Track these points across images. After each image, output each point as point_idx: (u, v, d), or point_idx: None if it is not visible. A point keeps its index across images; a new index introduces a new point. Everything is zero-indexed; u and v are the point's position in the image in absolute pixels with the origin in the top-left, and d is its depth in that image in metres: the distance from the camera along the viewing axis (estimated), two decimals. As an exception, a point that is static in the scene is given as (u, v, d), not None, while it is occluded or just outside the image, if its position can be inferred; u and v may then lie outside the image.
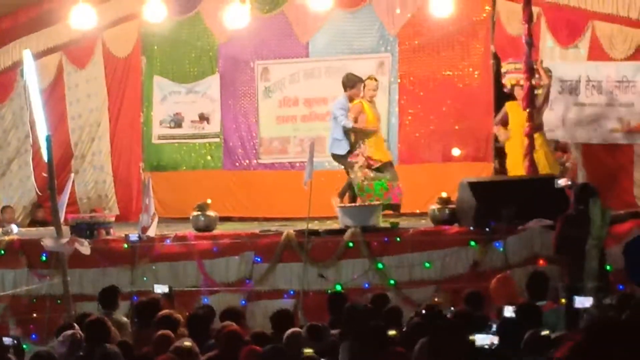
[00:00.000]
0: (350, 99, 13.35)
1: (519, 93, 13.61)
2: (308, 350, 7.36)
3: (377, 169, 13.23)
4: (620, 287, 10.43)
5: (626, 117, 13.81)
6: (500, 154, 14.32)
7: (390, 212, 13.25)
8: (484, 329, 7.63)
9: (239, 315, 9.30)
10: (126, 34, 16.62)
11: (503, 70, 13.97)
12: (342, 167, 13.63)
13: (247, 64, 16.33)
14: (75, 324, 8.54)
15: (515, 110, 13.65)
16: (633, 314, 7.41)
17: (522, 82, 13.42)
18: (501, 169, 14.31)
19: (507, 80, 13.83)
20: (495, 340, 7.05)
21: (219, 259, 12.39)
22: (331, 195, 13.29)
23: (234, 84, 16.37)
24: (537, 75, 13.31)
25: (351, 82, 13.40)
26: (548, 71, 13.36)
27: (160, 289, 10.32)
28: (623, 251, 10.60)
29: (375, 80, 13.57)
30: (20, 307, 12.56)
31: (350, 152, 13.27)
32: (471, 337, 6.96)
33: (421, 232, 12.13)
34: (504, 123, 13.80)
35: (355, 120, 13.18)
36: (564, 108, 13.82)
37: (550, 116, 13.65)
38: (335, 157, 13.53)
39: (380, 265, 11.90)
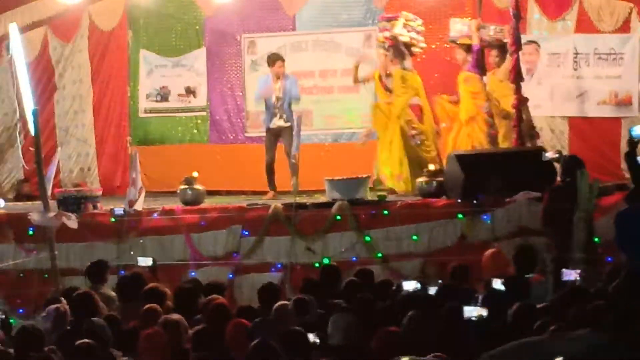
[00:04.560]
0: None
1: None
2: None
3: None
4: (608, 258, 10.44)
5: (614, 89, 13.86)
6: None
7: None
8: (470, 301, 7.63)
9: (223, 289, 9.29)
10: (112, 7, 16.47)
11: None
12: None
13: (234, 37, 16.23)
14: (62, 298, 8.52)
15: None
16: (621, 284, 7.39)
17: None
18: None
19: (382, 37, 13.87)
20: (483, 312, 7.07)
21: (206, 233, 12.37)
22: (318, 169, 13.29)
23: (221, 57, 16.29)
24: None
25: None
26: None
27: (144, 261, 10.29)
28: (614, 221, 10.52)
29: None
30: (7, 282, 12.51)
31: None
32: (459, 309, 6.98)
33: (409, 205, 12.12)
34: None
35: None
36: (552, 81, 13.84)
37: (538, 90, 13.65)
38: None
39: (367, 239, 11.88)
